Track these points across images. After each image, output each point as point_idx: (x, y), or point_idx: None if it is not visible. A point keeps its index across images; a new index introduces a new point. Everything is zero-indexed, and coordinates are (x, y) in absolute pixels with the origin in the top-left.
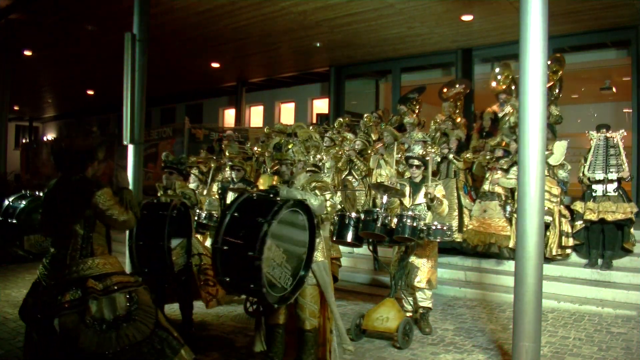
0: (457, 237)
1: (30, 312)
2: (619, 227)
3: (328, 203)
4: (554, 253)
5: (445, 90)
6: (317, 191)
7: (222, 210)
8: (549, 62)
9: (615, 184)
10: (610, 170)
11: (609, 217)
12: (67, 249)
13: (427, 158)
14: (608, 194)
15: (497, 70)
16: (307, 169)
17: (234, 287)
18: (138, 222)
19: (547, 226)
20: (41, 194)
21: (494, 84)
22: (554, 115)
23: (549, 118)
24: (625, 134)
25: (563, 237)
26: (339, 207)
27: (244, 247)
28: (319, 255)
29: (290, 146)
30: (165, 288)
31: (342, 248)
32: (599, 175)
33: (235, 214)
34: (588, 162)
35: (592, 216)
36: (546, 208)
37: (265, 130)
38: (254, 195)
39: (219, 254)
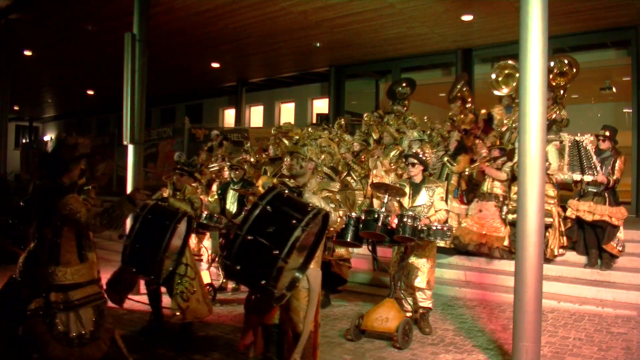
0: (441, 242)
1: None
2: (605, 228)
3: (338, 220)
4: (555, 253)
5: (453, 92)
6: (332, 204)
7: (254, 201)
8: (565, 61)
9: (600, 186)
10: (587, 172)
11: (588, 218)
12: (37, 250)
13: (424, 157)
14: (590, 194)
15: (493, 76)
16: (323, 173)
17: (241, 277)
18: (140, 224)
19: (547, 227)
20: None
21: (499, 92)
22: (565, 120)
23: (562, 122)
24: (592, 138)
25: (562, 237)
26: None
27: (270, 244)
28: (313, 264)
29: (306, 142)
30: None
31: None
32: (576, 176)
33: (268, 208)
34: (566, 162)
35: (571, 214)
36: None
37: (272, 131)
38: (285, 191)
39: (240, 242)
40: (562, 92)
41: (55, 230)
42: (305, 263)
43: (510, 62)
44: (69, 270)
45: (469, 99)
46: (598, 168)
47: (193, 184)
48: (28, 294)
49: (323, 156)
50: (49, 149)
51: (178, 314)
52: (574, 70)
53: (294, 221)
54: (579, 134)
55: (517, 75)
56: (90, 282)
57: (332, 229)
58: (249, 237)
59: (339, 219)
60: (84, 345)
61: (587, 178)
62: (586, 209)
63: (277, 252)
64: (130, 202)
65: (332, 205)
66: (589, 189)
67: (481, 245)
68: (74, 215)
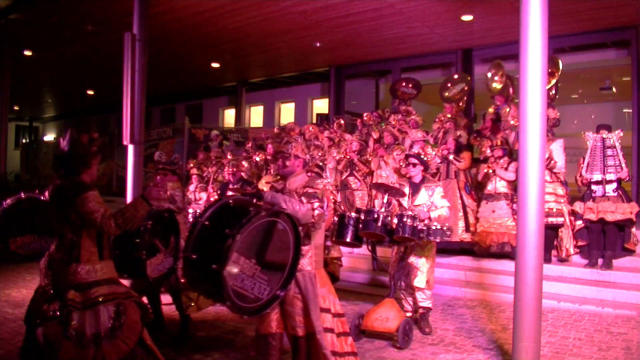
0: (466, 236)
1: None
2: (620, 228)
3: (316, 212)
4: (571, 253)
5: (446, 93)
6: (303, 198)
7: (195, 218)
8: None
9: (614, 185)
10: (609, 171)
11: (609, 217)
12: (59, 253)
13: (425, 157)
14: (607, 194)
15: (489, 74)
16: (309, 171)
17: (206, 295)
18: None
19: (559, 227)
20: (34, 196)
21: (494, 84)
22: (552, 119)
23: (548, 121)
24: (622, 134)
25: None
26: (327, 216)
27: (210, 258)
28: (305, 264)
29: (290, 140)
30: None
31: (342, 248)
32: (597, 176)
33: (206, 223)
34: (585, 164)
35: (591, 216)
36: (555, 210)
37: (275, 130)
38: (231, 201)
39: (188, 263)
40: (553, 92)
41: (75, 229)
42: (287, 277)
43: (503, 69)
44: (91, 268)
45: (461, 103)
46: (623, 164)
47: (196, 183)
48: (51, 296)
49: (315, 152)
50: (64, 147)
51: (192, 305)
52: (558, 63)
53: (227, 230)
54: (607, 132)
55: (502, 83)
56: (114, 280)
57: (317, 225)
58: (193, 257)
59: (316, 212)
60: (99, 345)
61: (610, 177)
62: (607, 209)
63: (214, 266)
64: (145, 200)
65: (304, 200)
66: (607, 189)
67: (504, 245)
68: (92, 214)
